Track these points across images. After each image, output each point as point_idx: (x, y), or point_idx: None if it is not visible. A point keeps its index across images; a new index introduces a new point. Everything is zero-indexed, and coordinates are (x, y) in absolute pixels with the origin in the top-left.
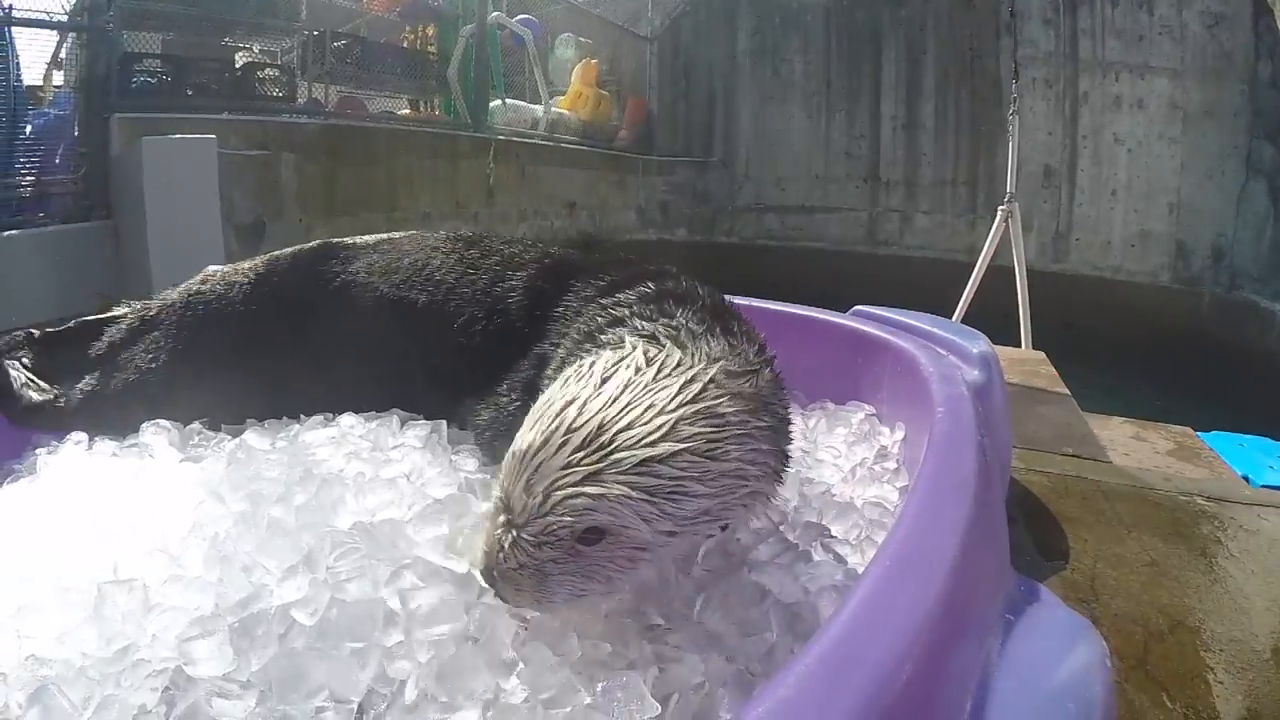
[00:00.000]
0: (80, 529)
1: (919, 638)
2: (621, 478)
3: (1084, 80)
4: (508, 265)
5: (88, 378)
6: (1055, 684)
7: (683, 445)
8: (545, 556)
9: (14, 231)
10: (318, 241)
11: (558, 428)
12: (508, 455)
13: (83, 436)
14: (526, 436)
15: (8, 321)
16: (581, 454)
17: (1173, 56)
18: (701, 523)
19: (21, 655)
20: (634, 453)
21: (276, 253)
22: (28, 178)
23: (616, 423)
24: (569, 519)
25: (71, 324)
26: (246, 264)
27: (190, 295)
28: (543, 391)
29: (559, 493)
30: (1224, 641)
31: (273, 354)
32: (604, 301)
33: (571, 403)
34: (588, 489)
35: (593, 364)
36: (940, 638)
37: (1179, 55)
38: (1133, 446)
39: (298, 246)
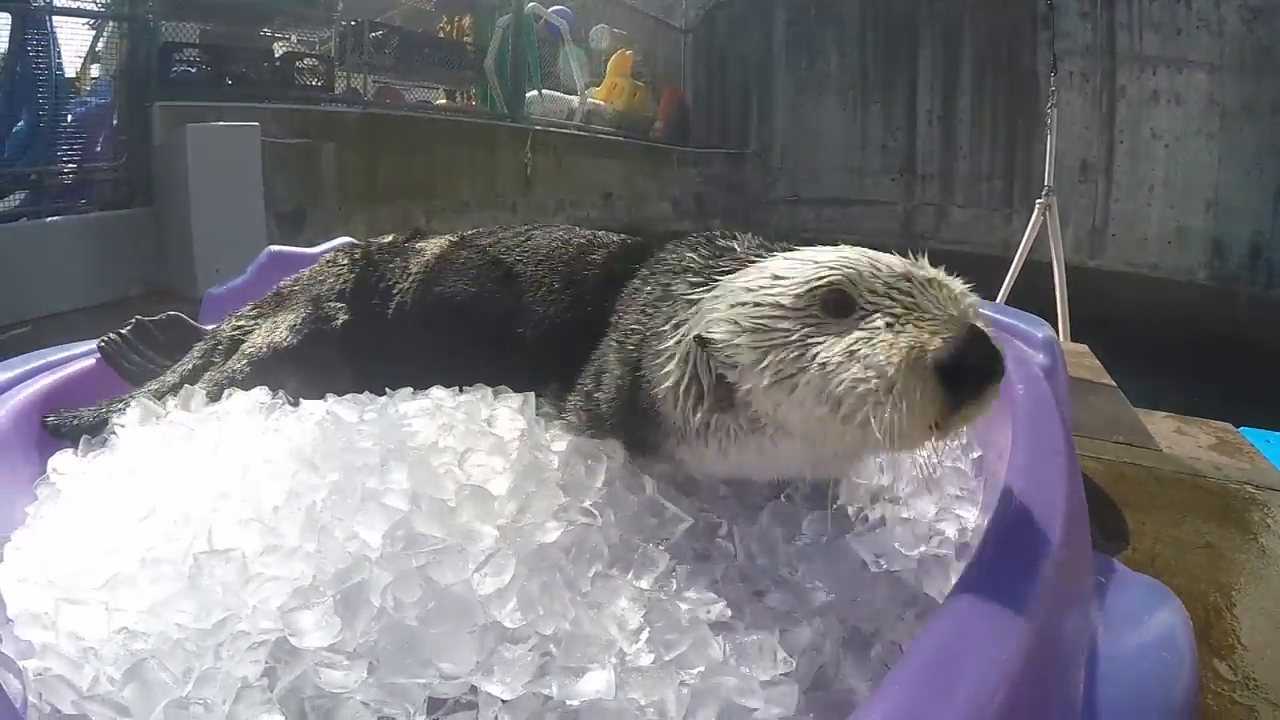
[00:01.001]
0: (164, 500)
1: (1049, 591)
2: None
3: (1121, 74)
4: (587, 249)
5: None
6: (1149, 637)
7: None
8: None
9: (56, 218)
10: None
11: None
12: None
13: (154, 405)
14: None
15: (50, 305)
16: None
17: (1211, 51)
18: None
19: (112, 628)
20: None
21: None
22: (69, 165)
23: None
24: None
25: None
26: (326, 252)
27: (290, 285)
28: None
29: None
30: (1279, 620)
31: (372, 335)
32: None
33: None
34: None
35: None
36: (1064, 592)
37: (1217, 50)
38: (1176, 440)
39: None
